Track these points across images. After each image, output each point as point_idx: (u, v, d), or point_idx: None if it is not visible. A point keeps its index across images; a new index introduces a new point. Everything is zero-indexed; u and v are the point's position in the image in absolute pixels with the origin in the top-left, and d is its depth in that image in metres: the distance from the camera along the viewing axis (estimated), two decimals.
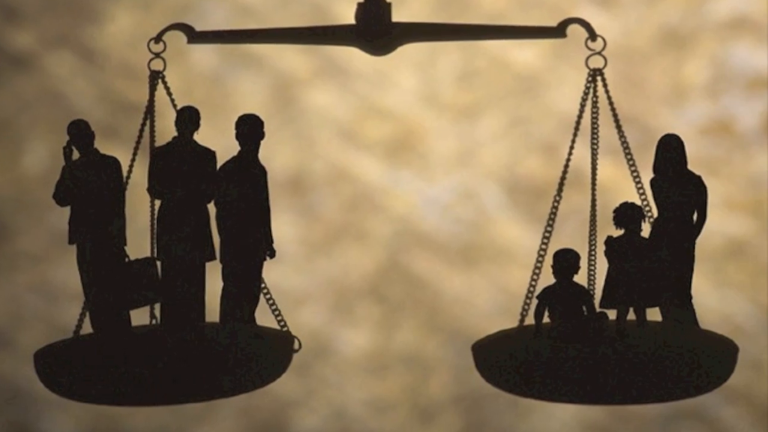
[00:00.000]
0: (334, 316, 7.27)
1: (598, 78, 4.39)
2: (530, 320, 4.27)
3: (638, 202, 4.34)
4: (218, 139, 4.54)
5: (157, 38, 4.48)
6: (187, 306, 4.38)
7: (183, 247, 4.33)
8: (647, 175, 4.43)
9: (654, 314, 4.42)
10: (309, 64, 7.39)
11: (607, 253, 4.24)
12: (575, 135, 4.44)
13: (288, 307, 4.72)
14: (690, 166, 4.42)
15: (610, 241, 4.21)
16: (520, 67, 7.39)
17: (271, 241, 4.54)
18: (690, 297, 4.46)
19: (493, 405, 6.99)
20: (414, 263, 7.33)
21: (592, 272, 4.55)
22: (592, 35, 4.32)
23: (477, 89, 7.47)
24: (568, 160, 4.44)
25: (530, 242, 5.41)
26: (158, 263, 4.46)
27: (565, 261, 4.15)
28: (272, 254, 4.57)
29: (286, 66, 7.40)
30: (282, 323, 4.58)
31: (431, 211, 7.39)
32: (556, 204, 4.41)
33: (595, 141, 4.44)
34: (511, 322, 4.43)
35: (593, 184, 4.50)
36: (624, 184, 4.68)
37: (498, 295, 7.15)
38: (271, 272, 4.71)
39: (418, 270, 7.32)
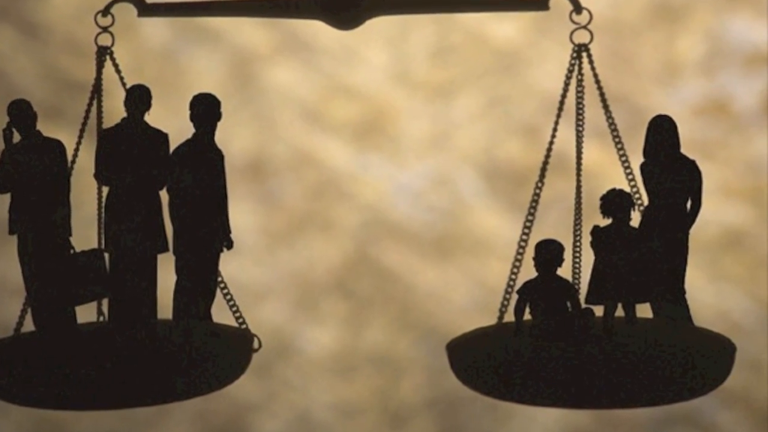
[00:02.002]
0: (297, 312, 7.27)
1: (584, 54, 4.38)
2: (510, 317, 4.27)
3: (627, 189, 4.34)
4: (171, 120, 4.53)
5: (105, 11, 4.46)
6: (138, 302, 4.37)
7: (133, 238, 4.32)
8: (637, 160, 4.44)
9: (644, 310, 4.43)
10: (270, 39, 7.37)
11: (593, 244, 4.24)
12: (558, 116, 4.44)
13: (247, 303, 4.72)
14: (683, 150, 4.42)
15: (596, 231, 4.21)
16: (499, 42, 7.40)
17: (229, 231, 4.55)
18: (683, 292, 4.46)
19: (469, 409, 7.02)
20: (384, 255, 7.34)
21: (577, 265, 4.57)
22: (577, 7, 4.33)
23: (452, 66, 7.47)
24: (551, 143, 4.44)
25: (510, 233, 5.41)
26: (106, 255, 4.44)
27: (548, 253, 4.16)
28: (230, 245, 4.58)
29: (244, 41, 7.38)
30: (240, 320, 4.59)
31: (403, 198, 7.41)
32: (537, 191, 4.41)
33: (581, 123, 4.45)
34: (490, 319, 4.44)
35: (578, 169, 4.51)
36: (612, 169, 4.68)
37: (475, 290, 7.17)
38: (229, 265, 4.72)
39: (389, 263, 7.34)
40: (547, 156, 4.44)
